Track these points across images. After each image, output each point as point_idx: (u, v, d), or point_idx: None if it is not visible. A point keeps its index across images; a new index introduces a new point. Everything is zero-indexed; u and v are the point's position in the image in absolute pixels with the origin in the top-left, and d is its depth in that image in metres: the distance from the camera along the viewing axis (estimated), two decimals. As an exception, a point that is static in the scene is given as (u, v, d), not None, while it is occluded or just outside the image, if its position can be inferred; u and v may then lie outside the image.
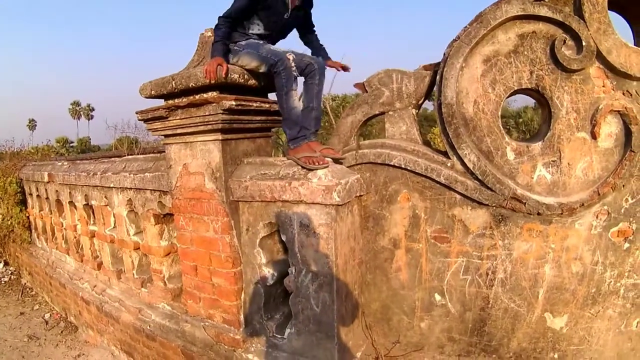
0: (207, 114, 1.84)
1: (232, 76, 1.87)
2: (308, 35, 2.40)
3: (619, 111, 1.95)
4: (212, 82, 1.79)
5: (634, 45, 2.15)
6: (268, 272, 2.10)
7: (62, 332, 3.76)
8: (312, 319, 2.00)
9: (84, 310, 3.47)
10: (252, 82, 2.01)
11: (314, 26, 2.42)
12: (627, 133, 1.95)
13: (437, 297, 2.23)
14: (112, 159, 3.01)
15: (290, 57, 1.93)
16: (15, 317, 4.09)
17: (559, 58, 1.94)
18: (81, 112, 57.02)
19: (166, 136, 2.17)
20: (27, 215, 4.49)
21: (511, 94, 2.13)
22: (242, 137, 2.10)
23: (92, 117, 58.15)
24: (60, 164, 3.67)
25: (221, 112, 1.79)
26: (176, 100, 1.96)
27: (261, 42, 2.08)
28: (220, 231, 2.06)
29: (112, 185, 2.76)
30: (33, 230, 4.56)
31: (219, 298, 2.22)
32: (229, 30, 2.00)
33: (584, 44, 1.91)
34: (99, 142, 26.66)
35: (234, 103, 1.80)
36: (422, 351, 2.34)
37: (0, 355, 3.41)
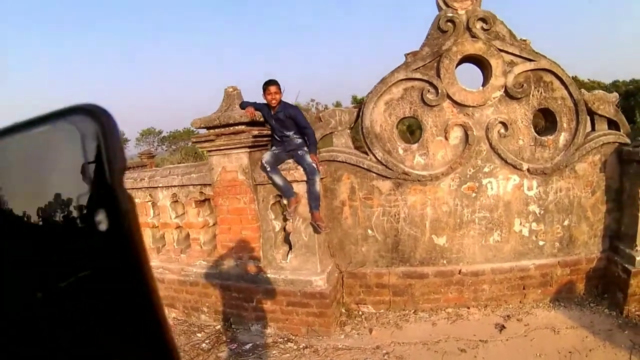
0: (242, 138, 3.46)
1: (254, 118, 3.52)
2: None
3: (460, 124, 3.84)
4: (248, 120, 3.42)
5: (482, 82, 4.02)
6: (276, 223, 3.75)
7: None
8: (303, 246, 3.67)
9: (125, 282, 4.73)
10: (261, 119, 3.67)
11: (305, 128, 3.55)
12: (466, 136, 3.79)
13: (369, 231, 4.00)
14: (154, 168, 4.42)
15: (263, 159, 3.50)
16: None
17: (425, 100, 3.77)
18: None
19: (209, 151, 3.73)
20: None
21: (400, 120, 4.01)
22: (256, 150, 3.74)
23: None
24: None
25: (252, 137, 3.43)
26: (222, 130, 3.53)
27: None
28: (248, 202, 3.67)
29: (160, 185, 4.19)
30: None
31: (246, 244, 3.80)
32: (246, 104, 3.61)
33: (439, 91, 3.76)
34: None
35: (257, 132, 3.45)
36: (365, 266, 4.07)
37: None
